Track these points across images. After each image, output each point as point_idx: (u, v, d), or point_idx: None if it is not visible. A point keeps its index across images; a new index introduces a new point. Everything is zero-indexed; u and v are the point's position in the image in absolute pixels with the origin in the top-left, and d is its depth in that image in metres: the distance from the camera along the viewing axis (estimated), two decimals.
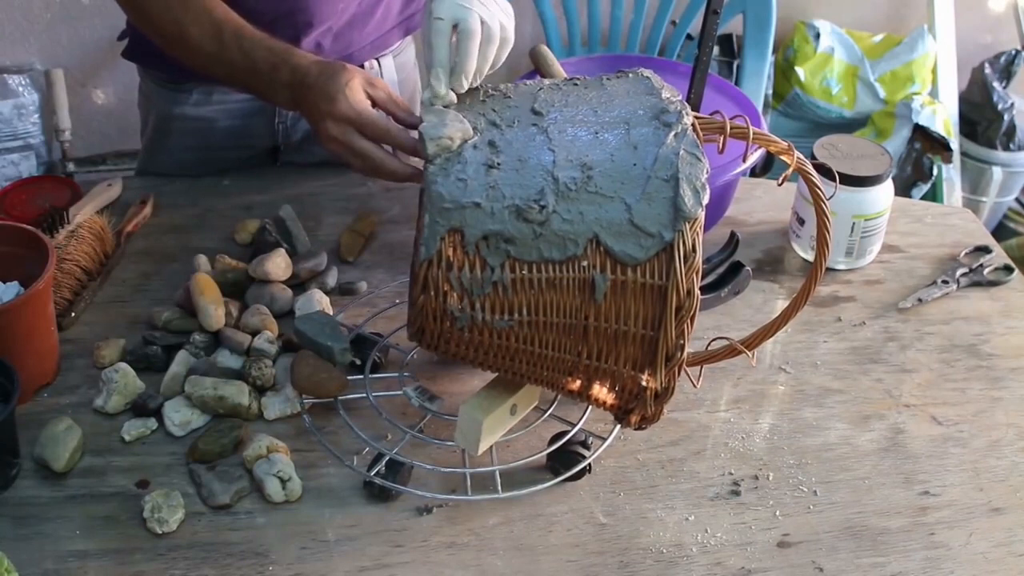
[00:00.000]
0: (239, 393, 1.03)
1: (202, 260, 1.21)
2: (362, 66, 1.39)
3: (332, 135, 1.07)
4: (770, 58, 2.18)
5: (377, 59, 1.41)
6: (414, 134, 1.01)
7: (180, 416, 1.03)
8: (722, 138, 0.92)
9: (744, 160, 1.17)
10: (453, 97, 0.97)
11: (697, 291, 0.84)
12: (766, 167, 2.48)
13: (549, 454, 0.99)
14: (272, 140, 1.44)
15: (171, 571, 0.90)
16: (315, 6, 1.28)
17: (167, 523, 0.93)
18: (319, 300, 1.14)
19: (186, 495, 0.96)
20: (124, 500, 0.95)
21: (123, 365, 1.06)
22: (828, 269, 1.24)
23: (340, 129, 1.07)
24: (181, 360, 1.08)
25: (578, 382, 0.92)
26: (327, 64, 1.10)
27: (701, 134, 0.91)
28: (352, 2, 1.32)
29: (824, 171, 1.03)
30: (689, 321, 0.84)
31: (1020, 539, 0.97)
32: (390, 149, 1.09)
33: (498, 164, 0.86)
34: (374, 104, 1.10)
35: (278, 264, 1.18)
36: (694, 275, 0.83)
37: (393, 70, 1.44)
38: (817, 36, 2.57)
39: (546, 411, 1.03)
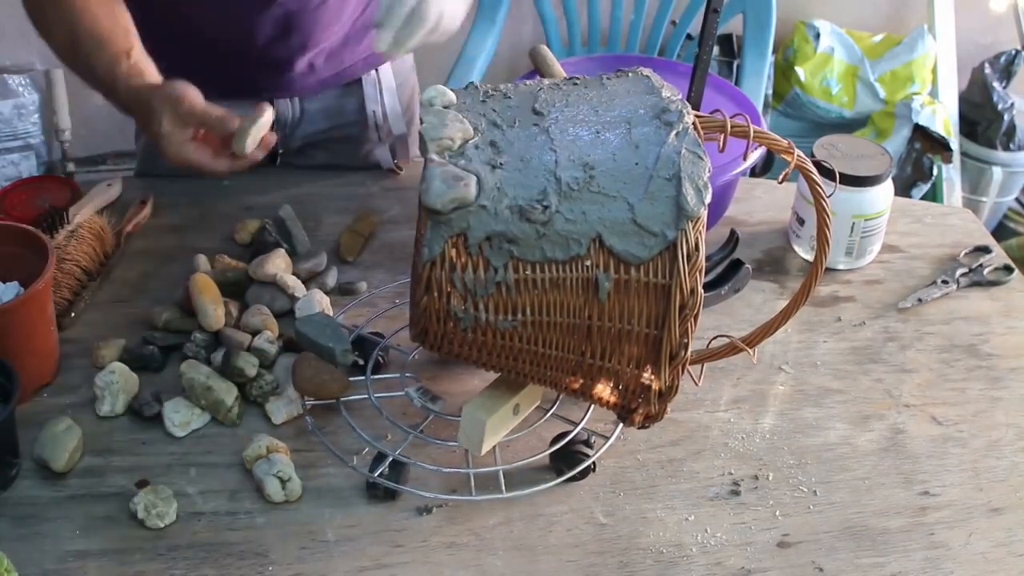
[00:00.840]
0: (226, 392, 1.03)
1: (202, 260, 1.21)
2: (359, 80, 1.40)
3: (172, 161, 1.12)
4: (770, 58, 2.18)
5: (375, 68, 1.41)
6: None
7: (180, 416, 1.03)
8: (723, 136, 0.92)
9: (744, 159, 1.17)
10: (452, 96, 0.96)
11: (700, 290, 0.84)
12: (766, 167, 2.48)
13: (552, 454, 0.99)
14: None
15: (171, 571, 0.90)
16: (309, 28, 1.28)
17: (167, 515, 0.93)
18: (319, 300, 1.14)
19: (181, 495, 0.96)
20: (124, 500, 0.95)
21: (118, 364, 1.06)
22: (828, 269, 1.24)
23: (177, 160, 1.12)
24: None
25: (581, 381, 0.92)
26: (139, 106, 1.13)
27: (702, 133, 0.91)
28: (346, 23, 1.33)
29: (824, 170, 1.03)
30: (692, 320, 0.85)
31: (1020, 539, 0.97)
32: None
33: (500, 164, 0.86)
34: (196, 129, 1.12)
35: (278, 265, 1.18)
36: (697, 274, 0.84)
37: (391, 76, 1.43)
38: (817, 36, 2.57)
39: (548, 411, 1.03)
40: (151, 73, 1.14)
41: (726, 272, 1.22)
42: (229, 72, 1.25)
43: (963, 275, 1.28)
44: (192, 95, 1.10)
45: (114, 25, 1.16)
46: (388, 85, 1.43)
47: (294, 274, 1.20)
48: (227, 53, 1.27)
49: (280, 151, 1.45)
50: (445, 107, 0.95)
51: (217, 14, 1.24)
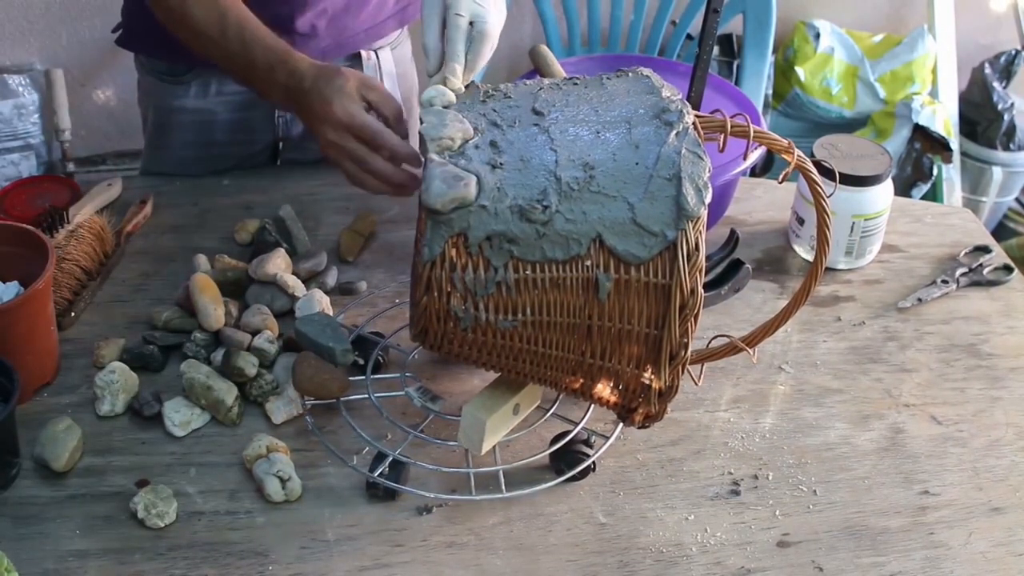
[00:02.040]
0: (226, 392, 1.03)
1: (202, 260, 1.21)
2: (359, 56, 1.40)
3: (329, 139, 1.09)
4: (770, 58, 2.18)
5: (375, 51, 1.42)
6: (413, 141, 1.03)
7: (180, 416, 1.03)
8: (723, 136, 0.92)
9: (744, 159, 1.17)
10: (452, 96, 0.97)
11: (700, 289, 0.84)
12: (766, 167, 2.48)
13: (552, 453, 0.99)
14: (272, 134, 1.44)
15: (171, 571, 0.90)
16: None
17: (167, 514, 0.93)
18: (319, 300, 1.14)
19: (181, 494, 0.96)
20: (124, 500, 0.95)
21: (118, 364, 1.06)
22: (828, 269, 1.24)
23: (336, 134, 1.08)
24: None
25: (581, 381, 0.92)
26: (324, 68, 1.11)
27: (702, 133, 0.91)
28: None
29: (824, 170, 1.03)
30: (693, 319, 0.85)
31: (1020, 539, 0.97)
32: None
33: (501, 164, 0.86)
34: (370, 107, 1.10)
35: (278, 265, 1.18)
36: (697, 274, 0.84)
37: (391, 63, 1.44)
38: (817, 36, 2.57)
39: (548, 410, 1.03)
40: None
41: (726, 272, 1.22)
42: None
43: (963, 275, 1.28)
44: (376, 80, 1.13)
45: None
46: (388, 70, 1.43)
47: (294, 274, 1.20)
48: None
49: (281, 140, 1.45)
50: (445, 107, 0.95)
51: None
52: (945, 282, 1.27)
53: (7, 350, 0.99)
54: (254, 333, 1.12)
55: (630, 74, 0.98)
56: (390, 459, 0.96)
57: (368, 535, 0.94)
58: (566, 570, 0.92)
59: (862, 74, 2.58)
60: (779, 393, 1.11)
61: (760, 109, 1.79)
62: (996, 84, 2.62)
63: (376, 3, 1.38)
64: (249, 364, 1.05)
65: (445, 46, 1.01)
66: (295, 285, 1.16)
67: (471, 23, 1.02)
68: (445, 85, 0.99)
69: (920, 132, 2.47)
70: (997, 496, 1.01)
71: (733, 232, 1.24)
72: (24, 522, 0.94)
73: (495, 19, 1.03)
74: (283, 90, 1.13)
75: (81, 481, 0.98)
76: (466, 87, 1.01)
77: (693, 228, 0.84)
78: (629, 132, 0.89)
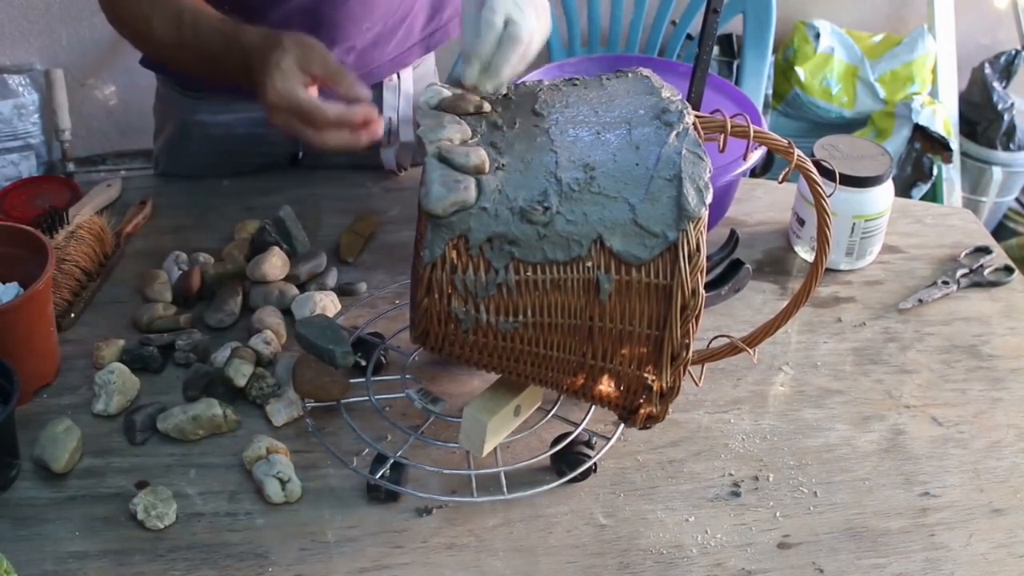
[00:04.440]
0: (209, 408, 1.02)
1: (202, 260, 1.21)
2: (380, 84, 1.37)
3: (271, 119, 1.04)
4: (770, 58, 2.18)
5: (397, 72, 1.40)
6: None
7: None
8: (723, 136, 0.92)
9: (745, 159, 1.17)
10: (447, 94, 0.95)
11: (701, 290, 0.84)
12: (766, 167, 2.48)
13: (553, 455, 0.99)
14: (292, 146, 1.43)
15: (171, 572, 0.90)
16: (341, 24, 1.27)
17: (167, 516, 0.93)
18: (319, 301, 1.14)
19: (181, 496, 0.96)
20: (124, 501, 0.95)
21: (118, 365, 1.06)
22: (828, 270, 1.24)
23: (275, 113, 1.03)
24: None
25: (582, 382, 0.92)
26: (265, 41, 1.06)
27: (702, 133, 0.90)
28: (377, 22, 1.31)
29: (824, 171, 1.03)
30: (694, 320, 0.84)
31: (1021, 540, 0.97)
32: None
33: (501, 165, 0.86)
34: (315, 79, 1.05)
35: (274, 264, 1.18)
36: (698, 274, 0.83)
37: (411, 83, 1.42)
38: (817, 36, 2.57)
39: (549, 412, 1.03)
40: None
41: (726, 272, 1.22)
42: None
43: (963, 276, 1.28)
44: (321, 46, 1.05)
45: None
46: (406, 91, 1.41)
47: (294, 275, 1.20)
48: None
49: (301, 151, 1.45)
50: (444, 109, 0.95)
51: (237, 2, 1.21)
52: (946, 283, 1.27)
53: (7, 351, 0.99)
54: (253, 333, 1.12)
55: (630, 74, 0.98)
56: (391, 461, 0.96)
57: (368, 536, 0.94)
58: (566, 572, 0.92)
59: (862, 74, 2.57)
60: (779, 394, 1.11)
61: (760, 109, 1.78)
62: (996, 84, 2.61)
63: (403, 34, 1.36)
64: (247, 365, 1.05)
65: (470, 42, 0.96)
66: (293, 286, 1.16)
67: (505, 24, 0.96)
68: (464, 84, 0.95)
69: (920, 132, 2.47)
70: (998, 497, 1.01)
71: (733, 232, 1.24)
72: (23, 523, 0.94)
73: (531, 25, 0.97)
74: (241, 73, 1.07)
75: (81, 482, 0.98)
76: (489, 93, 0.97)
77: (694, 229, 0.84)
78: (629, 133, 0.89)
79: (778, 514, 0.98)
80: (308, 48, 1.04)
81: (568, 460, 0.99)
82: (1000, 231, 2.73)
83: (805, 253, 1.30)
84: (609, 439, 1.01)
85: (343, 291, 1.21)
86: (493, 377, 0.97)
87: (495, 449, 0.98)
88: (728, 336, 0.99)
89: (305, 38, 1.05)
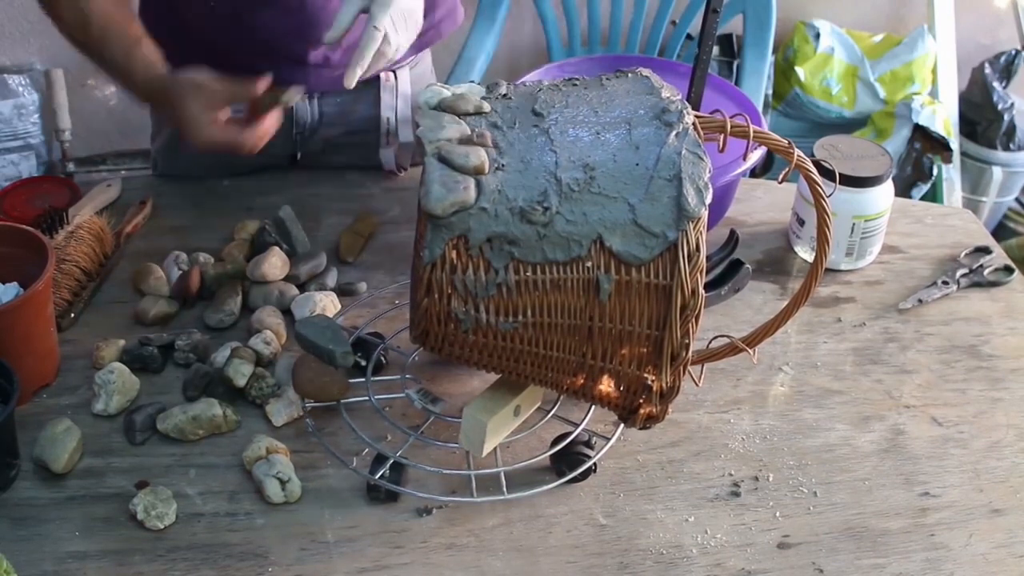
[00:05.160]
0: (209, 407, 1.02)
1: (202, 260, 1.21)
2: (377, 77, 1.38)
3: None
4: (770, 58, 2.18)
5: (393, 71, 1.40)
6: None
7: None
8: (723, 137, 0.92)
9: (745, 159, 1.17)
10: (448, 95, 0.95)
11: (701, 290, 0.84)
12: (766, 167, 2.48)
13: (552, 455, 0.99)
14: (291, 148, 1.43)
15: (170, 572, 0.90)
16: (324, 22, 1.27)
17: (166, 516, 0.93)
18: (319, 301, 1.14)
19: (181, 496, 0.96)
20: (123, 501, 0.95)
21: (118, 365, 1.06)
22: (828, 270, 1.24)
23: (198, 150, 1.11)
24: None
25: (582, 382, 0.92)
26: (171, 85, 1.11)
27: (702, 133, 0.90)
28: (362, 19, 1.31)
29: (824, 171, 1.03)
30: (694, 320, 0.84)
31: (1020, 540, 0.97)
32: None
33: (501, 166, 0.86)
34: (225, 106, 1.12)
35: (274, 264, 1.18)
36: (698, 274, 0.83)
37: (408, 83, 1.42)
38: (817, 36, 2.57)
39: (549, 412, 1.03)
40: (161, 63, 1.14)
41: (726, 272, 1.22)
42: (239, 62, 1.24)
43: (963, 276, 1.28)
44: (209, 78, 1.11)
45: (121, 7, 1.16)
46: (403, 91, 1.42)
47: (294, 275, 1.20)
48: (238, 41, 1.26)
49: (299, 154, 1.45)
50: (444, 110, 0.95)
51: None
52: (946, 283, 1.27)
53: (6, 351, 0.99)
54: (253, 333, 1.12)
55: (630, 75, 0.98)
56: (391, 461, 0.96)
57: (368, 536, 0.94)
58: (566, 572, 0.92)
59: (862, 74, 2.57)
60: (779, 394, 1.11)
61: (760, 109, 1.78)
62: (996, 84, 2.61)
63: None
64: (247, 365, 1.05)
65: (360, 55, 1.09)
66: (293, 286, 1.16)
67: (364, 10, 1.09)
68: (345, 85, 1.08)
69: (920, 132, 2.47)
70: (998, 497, 1.01)
71: (733, 232, 1.24)
72: (23, 524, 0.94)
73: (395, 40, 1.11)
74: (143, 86, 1.14)
75: (80, 482, 0.98)
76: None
77: (694, 229, 0.84)
78: (629, 133, 0.89)
79: (778, 514, 0.98)
80: (201, 89, 1.11)
81: (568, 460, 0.99)
82: (1000, 231, 2.73)
83: (805, 253, 1.30)
84: (609, 439, 1.01)
85: (343, 291, 1.21)
86: (493, 377, 0.97)
87: (495, 449, 0.98)
88: (728, 336, 0.99)
89: (193, 79, 1.11)
